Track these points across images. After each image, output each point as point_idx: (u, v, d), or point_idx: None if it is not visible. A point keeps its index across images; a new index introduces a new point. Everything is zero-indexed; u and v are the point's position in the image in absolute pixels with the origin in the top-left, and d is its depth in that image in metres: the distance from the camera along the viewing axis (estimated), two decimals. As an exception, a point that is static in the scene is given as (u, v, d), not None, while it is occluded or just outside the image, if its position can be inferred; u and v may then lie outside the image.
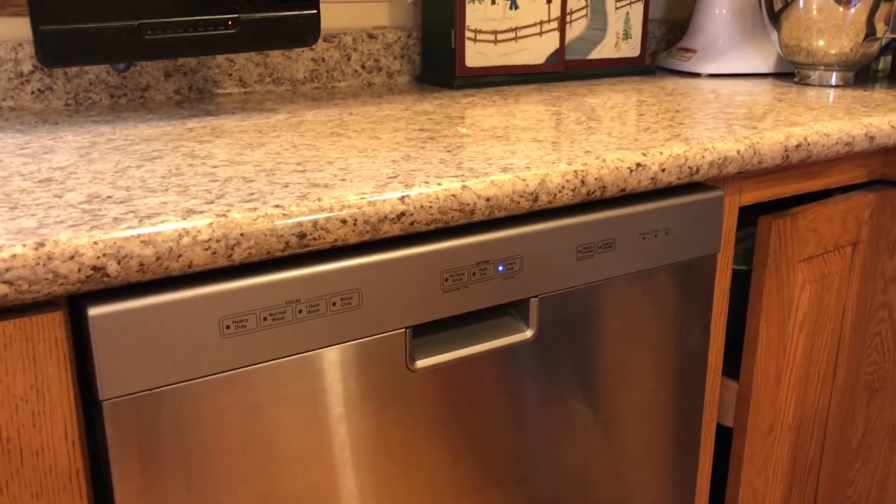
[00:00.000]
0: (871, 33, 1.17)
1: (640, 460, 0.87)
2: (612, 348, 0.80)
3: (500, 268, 0.69)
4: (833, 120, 0.92)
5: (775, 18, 1.23)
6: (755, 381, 0.96)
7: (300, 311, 0.60)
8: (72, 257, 0.50)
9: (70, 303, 0.55)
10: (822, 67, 1.22)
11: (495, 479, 0.76)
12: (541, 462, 0.78)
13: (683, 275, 0.83)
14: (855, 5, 1.15)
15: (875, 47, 1.19)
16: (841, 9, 1.16)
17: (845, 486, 1.15)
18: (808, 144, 0.87)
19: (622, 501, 0.86)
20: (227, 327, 0.57)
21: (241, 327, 0.58)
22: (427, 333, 0.70)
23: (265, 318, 0.59)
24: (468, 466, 0.73)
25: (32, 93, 1.00)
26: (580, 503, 0.83)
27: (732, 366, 1.01)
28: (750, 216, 1.14)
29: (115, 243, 0.52)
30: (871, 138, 0.93)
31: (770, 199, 0.94)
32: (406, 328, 0.66)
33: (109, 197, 0.60)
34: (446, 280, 0.67)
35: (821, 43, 1.19)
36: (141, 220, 0.54)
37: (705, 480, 0.98)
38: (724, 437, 1.04)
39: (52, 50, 0.80)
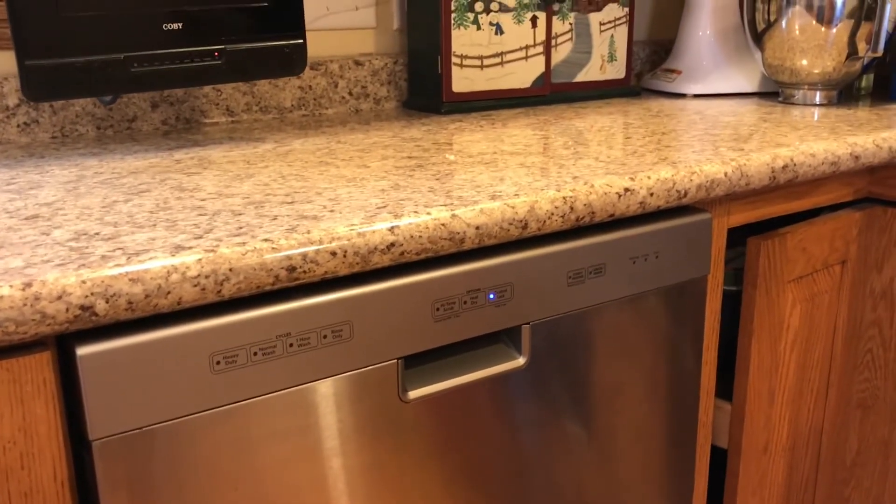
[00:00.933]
0: (853, 52, 1.18)
1: (636, 484, 0.86)
2: (606, 373, 0.80)
3: (491, 296, 0.69)
4: (818, 140, 0.93)
5: (759, 38, 1.24)
6: (748, 401, 0.96)
7: (291, 345, 0.60)
8: (59, 297, 0.50)
9: (58, 342, 0.55)
10: (805, 87, 1.23)
11: (490, 508, 0.75)
12: (537, 489, 0.78)
13: (674, 298, 0.83)
14: (836, 25, 1.16)
15: (857, 66, 1.20)
16: (823, 29, 1.17)
17: (841, 505, 1.15)
18: (795, 165, 0.88)
19: (618, 527, 0.86)
20: (218, 363, 0.57)
21: (232, 363, 0.58)
22: (419, 363, 0.70)
23: (255, 353, 0.58)
24: (464, 496, 0.73)
25: (18, 126, 0.99)
26: (576, 530, 0.82)
27: (725, 387, 1.01)
28: (739, 237, 1.14)
29: (102, 282, 0.51)
30: (857, 157, 0.93)
31: (758, 220, 0.95)
32: (398, 359, 0.66)
33: (97, 234, 0.59)
34: (437, 309, 0.67)
35: (804, 62, 1.20)
36: (129, 258, 0.54)
37: (701, 502, 0.98)
38: (720, 458, 1.03)
39: (38, 84, 0.80)
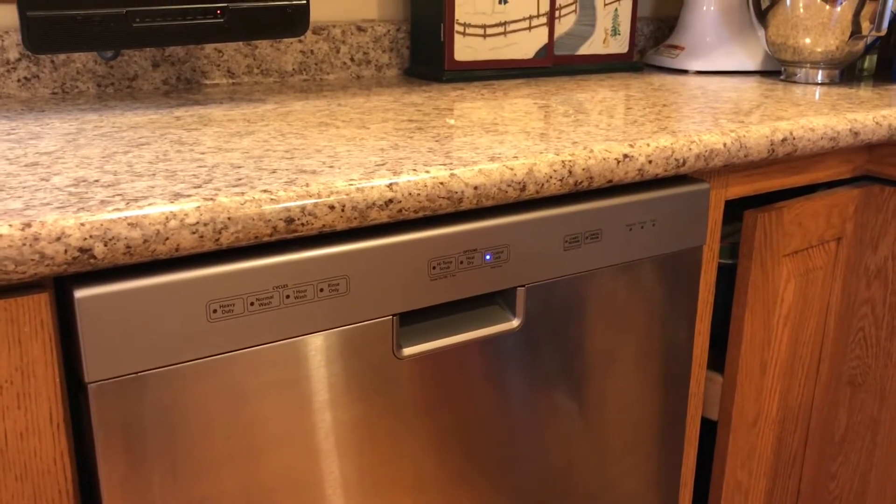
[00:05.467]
0: (856, 31, 1.18)
1: (625, 451, 0.87)
2: (598, 339, 0.81)
3: (488, 256, 0.70)
4: (818, 115, 0.93)
5: (762, 16, 1.24)
6: (740, 374, 0.97)
7: (287, 297, 0.60)
8: (58, 238, 0.50)
9: (56, 285, 0.55)
10: (808, 65, 1.23)
11: (480, 467, 0.76)
12: (526, 452, 0.79)
13: (669, 267, 0.84)
14: (841, 4, 1.16)
15: (860, 45, 1.20)
16: (827, 7, 1.17)
17: (828, 480, 1.16)
18: (794, 139, 0.88)
19: (607, 492, 0.87)
20: (214, 312, 0.57)
21: (228, 312, 0.58)
22: (414, 321, 0.70)
23: (252, 303, 0.59)
24: (453, 455, 0.74)
25: (18, 80, 0.99)
26: (565, 493, 0.83)
27: (717, 359, 1.01)
28: (737, 212, 1.15)
29: (101, 225, 0.51)
30: (856, 133, 0.94)
31: (756, 194, 0.95)
32: (393, 315, 0.66)
33: (97, 181, 0.59)
34: (433, 268, 0.67)
35: (807, 41, 1.20)
36: (128, 203, 0.54)
37: (690, 472, 0.99)
38: (709, 429, 1.04)
39: (39, 36, 0.80)
